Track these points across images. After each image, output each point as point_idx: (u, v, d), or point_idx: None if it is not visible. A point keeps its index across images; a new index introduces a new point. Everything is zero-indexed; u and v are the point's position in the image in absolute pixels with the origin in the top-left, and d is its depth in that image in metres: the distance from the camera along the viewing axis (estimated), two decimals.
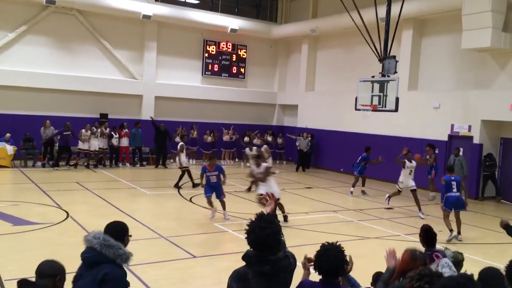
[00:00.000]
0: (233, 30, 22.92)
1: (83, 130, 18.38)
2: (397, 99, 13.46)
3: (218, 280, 6.99)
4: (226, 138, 22.45)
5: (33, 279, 3.26)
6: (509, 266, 3.56)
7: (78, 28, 20.31)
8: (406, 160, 13.24)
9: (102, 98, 20.77)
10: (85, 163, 18.63)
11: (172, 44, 22.46)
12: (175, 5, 22.04)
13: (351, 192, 15.52)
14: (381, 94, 13.92)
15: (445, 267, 4.51)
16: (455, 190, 10.53)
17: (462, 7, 15.09)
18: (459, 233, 10.46)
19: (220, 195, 11.24)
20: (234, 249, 8.52)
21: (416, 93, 18.21)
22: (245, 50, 24.52)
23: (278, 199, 10.32)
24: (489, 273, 3.75)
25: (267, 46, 25.22)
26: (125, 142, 19.73)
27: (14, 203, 11.73)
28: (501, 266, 4.18)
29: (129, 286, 3.40)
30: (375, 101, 14.05)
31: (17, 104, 19.17)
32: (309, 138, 21.59)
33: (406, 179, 13.21)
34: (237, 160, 23.05)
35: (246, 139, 22.45)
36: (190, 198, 13.57)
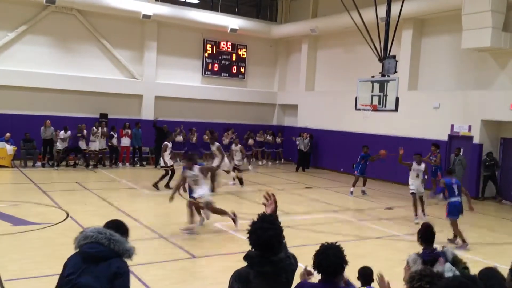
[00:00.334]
0: (233, 30, 22.91)
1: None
2: (397, 99, 13.47)
3: (218, 280, 6.98)
4: (226, 142, 22.42)
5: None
6: None
7: (78, 28, 20.31)
8: (413, 162, 12.21)
9: (102, 98, 20.77)
10: (84, 163, 18.63)
11: (172, 44, 22.46)
12: (175, 5, 22.03)
13: (351, 192, 15.50)
14: (381, 94, 13.93)
15: (449, 272, 4.49)
16: (457, 194, 10.01)
17: (462, 7, 15.09)
18: (455, 237, 10.06)
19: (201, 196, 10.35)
20: (234, 249, 8.51)
21: (416, 93, 18.21)
22: (245, 50, 24.52)
23: (210, 203, 9.99)
24: (488, 273, 3.74)
25: (267, 45, 25.22)
26: (126, 142, 19.74)
27: (14, 203, 11.73)
28: (501, 266, 4.19)
29: None
30: (375, 101, 14.06)
31: (16, 104, 19.17)
32: (309, 138, 21.61)
33: (415, 183, 12.13)
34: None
35: (251, 141, 22.56)
36: None
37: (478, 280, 2.57)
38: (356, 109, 14.84)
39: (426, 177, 12.37)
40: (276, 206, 3.40)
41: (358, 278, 5.03)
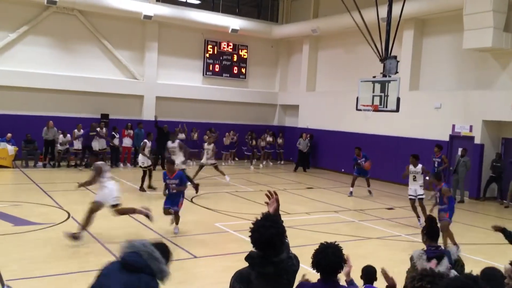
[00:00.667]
0: (234, 30, 22.92)
1: (76, 130, 18.73)
2: (398, 99, 13.45)
3: (219, 280, 6.97)
4: (227, 142, 22.46)
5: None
6: None
7: (79, 29, 20.33)
8: (410, 165, 11.87)
9: (103, 99, 20.79)
10: (85, 163, 18.65)
11: (173, 44, 22.47)
12: (176, 5, 22.05)
13: (351, 192, 15.50)
14: (382, 94, 13.91)
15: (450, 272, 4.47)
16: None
17: (463, 7, 15.08)
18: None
19: (175, 205, 9.82)
20: (235, 249, 8.52)
21: (417, 93, 18.19)
22: (246, 50, 24.52)
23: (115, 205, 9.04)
24: (490, 273, 3.74)
25: (268, 46, 25.22)
26: (127, 142, 19.75)
27: (15, 203, 11.74)
28: (502, 266, 4.18)
29: None
30: (376, 101, 14.03)
31: (18, 104, 19.19)
32: (309, 138, 21.63)
33: (413, 186, 11.78)
34: (237, 159, 23.12)
35: (263, 143, 22.72)
36: (191, 199, 13.57)
37: (480, 280, 2.57)
38: (357, 109, 14.82)
39: (428, 178, 11.81)
40: (278, 205, 3.40)
41: (361, 277, 5.03)
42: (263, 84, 25.39)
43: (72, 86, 19.92)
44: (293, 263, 3.16)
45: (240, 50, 24.37)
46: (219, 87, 23.71)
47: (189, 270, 7.76)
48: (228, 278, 3.10)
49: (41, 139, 18.24)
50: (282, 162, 23.64)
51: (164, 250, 3.45)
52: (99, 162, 9.54)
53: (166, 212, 9.93)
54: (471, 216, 13.38)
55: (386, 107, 13.83)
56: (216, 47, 23.67)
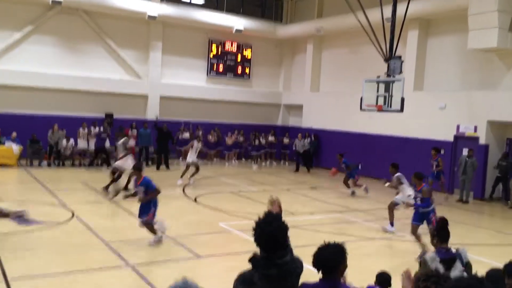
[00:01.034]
0: (238, 30, 22.92)
1: (81, 129, 18.80)
2: (402, 100, 13.42)
3: (223, 280, 6.96)
4: (229, 142, 22.44)
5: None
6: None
7: (84, 28, 20.39)
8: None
9: (107, 98, 20.84)
10: (88, 163, 18.70)
11: (177, 44, 22.50)
12: (181, 5, 22.07)
13: (352, 192, 15.50)
14: (387, 94, 13.90)
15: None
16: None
17: (468, 7, 15.03)
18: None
19: (141, 215, 8.74)
20: (239, 249, 8.51)
21: (422, 93, 18.14)
22: (250, 50, 24.52)
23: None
24: (495, 274, 3.72)
25: (272, 46, 25.21)
26: (131, 142, 19.75)
27: (20, 202, 11.76)
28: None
29: None
30: (381, 101, 14.02)
31: (22, 103, 19.25)
32: (308, 139, 21.66)
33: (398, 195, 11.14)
34: (243, 160, 23.10)
35: (259, 141, 22.65)
36: (195, 198, 13.58)
37: (485, 281, 2.55)
38: (361, 109, 14.80)
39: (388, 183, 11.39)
40: (281, 211, 3.40)
41: (375, 283, 4.93)
42: (267, 84, 25.38)
43: (76, 86, 19.97)
44: (297, 266, 3.16)
45: (244, 50, 24.37)
46: (223, 87, 23.72)
47: (193, 270, 7.77)
48: (232, 278, 3.09)
49: (46, 139, 18.28)
50: (287, 164, 23.53)
51: None
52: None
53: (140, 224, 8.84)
54: (476, 216, 13.34)
55: (390, 107, 13.81)
56: (220, 47, 23.68)
